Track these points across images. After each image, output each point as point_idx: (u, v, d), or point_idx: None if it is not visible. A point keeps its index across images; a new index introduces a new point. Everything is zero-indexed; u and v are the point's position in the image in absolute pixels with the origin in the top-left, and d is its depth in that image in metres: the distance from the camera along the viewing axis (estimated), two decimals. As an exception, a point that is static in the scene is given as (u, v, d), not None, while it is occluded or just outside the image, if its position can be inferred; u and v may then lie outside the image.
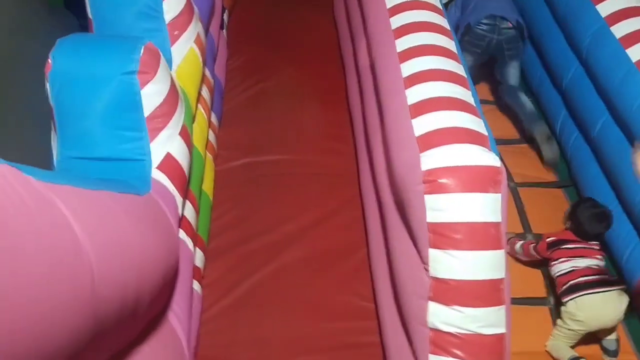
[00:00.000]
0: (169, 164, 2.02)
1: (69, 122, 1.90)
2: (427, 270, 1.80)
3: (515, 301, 1.95)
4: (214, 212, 2.77)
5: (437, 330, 1.79)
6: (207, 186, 2.73)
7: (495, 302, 1.77)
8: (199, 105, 2.67)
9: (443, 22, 2.26)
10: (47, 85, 1.88)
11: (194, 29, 2.51)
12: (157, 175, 1.97)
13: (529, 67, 3.31)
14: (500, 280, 1.78)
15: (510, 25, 2.99)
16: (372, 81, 2.46)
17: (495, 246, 1.76)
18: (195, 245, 2.30)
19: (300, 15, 3.94)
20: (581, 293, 2.24)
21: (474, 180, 1.72)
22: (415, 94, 1.96)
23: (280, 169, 2.99)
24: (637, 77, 2.30)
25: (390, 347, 2.14)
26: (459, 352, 1.76)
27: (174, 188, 2.02)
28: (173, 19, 2.35)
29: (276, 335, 2.34)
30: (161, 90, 1.97)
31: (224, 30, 3.58)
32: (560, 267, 2.34)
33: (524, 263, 2.56)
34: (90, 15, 2.34)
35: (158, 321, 1.71)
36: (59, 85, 1.87)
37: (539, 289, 2.52)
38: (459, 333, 1.77)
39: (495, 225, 1.76)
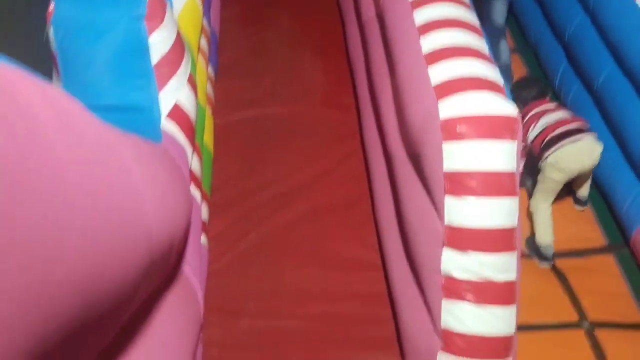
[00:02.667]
0: (178, 114, 1.97)
1: (74, 69, 1.83)
2: (441, 218, 1.82)
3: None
4: (215, 165, 2.74)
5: (450, 277, 1.82)
6: (208, 139, 2.69)
7: (508, 248, 1.81)
8: (199, 56, 2.60)
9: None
10: (50, 31, 1.80)
11: (194, -25, 2.42)
12: (167, 124, 1.93)
13: (528, 18, 3.29)
14: (512, 228, 1.81)
15: None
16: (380, 32, 2.42)
17: (510, 194, 1.78)
18: (201, 198, 2.28)
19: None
20: (561, 143, 2.40)
21: (492, 128, 1.72)
22: (430, 42, 1.93)
23: (281, 122, 2.95)
24: None
25: (399, 297, 2.18)
26: (472, 298, 1.80)
27: (184, 138, 1.98)
28: (173, -36, 2.26)
29: (284, 285, 2.36)
30: (168, 38, 1.91)
31: (218, -21, 3.46)
32: (534, 132, 2.52)
33: None
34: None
35: (176, 272, 1.71)
36: (63, 31, 1.79)
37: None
38: (471, 279, 1.80)
39: (510, 173, 1.77)
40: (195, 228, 2.02)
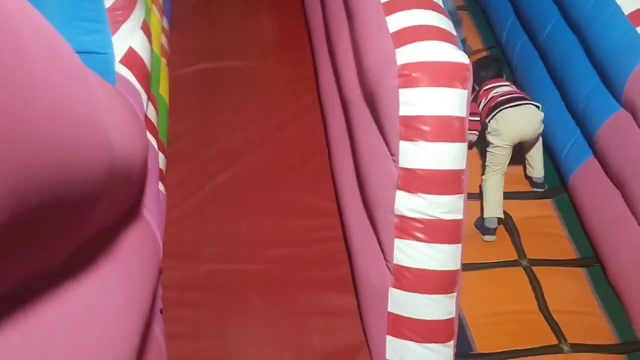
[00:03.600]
0: (132, 59, 1.95)
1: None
2: (395, 161, 1.90)
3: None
4: (171, 117, 2.73)
5: (402, 217, 1.92)
6: (163, 90, 2.66)
7: (456, 190, 1.91)
8: (153, 6, 2.55)
9: None
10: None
11: None
12: (121, 69, 1.91)
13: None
14: (461, 171, 1.91)
15: None
16: (337, -19, 2.44)
17: (459, 139, 1.87)
18: (158, 147, 2.28)
19: None
20: (499, 109, 2.53)
21: (445, 75, 1.80)
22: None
23: (236, 76, 2.95)
24: None
25: (353, 239, 2.27)
26: (421, 236, 1.91)
27: (137, 83, 1.97)
28: None
29: (241, 232, 2.41)
30: (122, -20, 1.88)
31: None
32: (484, 102, 2.63)
33: None
34: None
35: (136, 212, 1.72)
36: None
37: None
38: (422, 218, 1.90)
39: (460, 119, 1.86)
40: (152, 174, 2.03)
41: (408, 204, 1.90)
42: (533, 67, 2.85)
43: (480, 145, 2.75)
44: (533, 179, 2.71)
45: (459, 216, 1.94)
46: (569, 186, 2.63)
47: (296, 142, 2.73)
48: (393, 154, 1.90)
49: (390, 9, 1.94)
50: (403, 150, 1.86)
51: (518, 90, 2.69)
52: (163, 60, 2.73)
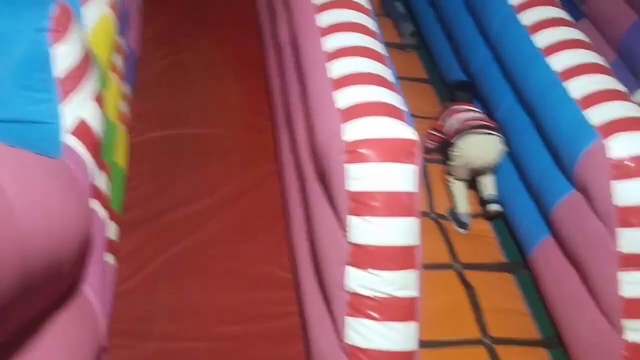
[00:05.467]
0: (82, 130, 1.93)
1: (-30, 80, 1.76)
2: (346, 236, 1.87)
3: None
4: (129, 183, 2.69)
5: (354, 294, 1.87)
6: (120, 157, 2.63)
7: (409, 266, 1.88)
8: (112, 73, 2.56)
9: (365, 2, 2.33)
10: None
11: (108, -9, 2.40)
12: (70, 140, 1.88)
13: (439, 51, 3.49)
14: (414, 246, 1.89)
15: None
16: (293, 55, 2.48)
17: (410, 214, 1.86)
18: (108, 216, 2.22)
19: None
20: (467, 133, 2.74)
21: (391, 151, 1.81)
22: (338, 68, 2.01)
23: (197, 142, 2.94)
24: (541, 62, 2.48)
25: (309, 315, 2.20)
26: (374, 314, 1.86)
27: (87, 154, 1.94)
28: (85, -21, 2.23)
29: (194, 306, 2.32)
30: (73, 52, 1.87)
31: (138, -2, 3.44)
32: (450, 123, 2.85)
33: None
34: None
35: (72, 291, 1.65)
36: (-41, 40, 1.72)
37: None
38: (375, 296, 1.86)
39: (410, 194, 1.86)
40: (97, 245, 1.96)
41: (359, 280, 1.86)
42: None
43: (443, 158, 2.96)
44: (487, 198, 2.82)
45: (414, 293, 1.90)
46: (529, 262, 2.62)
47: (254, 210, 2.69)
48: (343, 228, 1.88)
49: (339, 85, 1.97)
50: (353, 225, 1.84)
51: (487, 118, 2.86)
52: (121, 127, 2.71)
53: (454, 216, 2.81)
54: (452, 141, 2.80)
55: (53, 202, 1.25)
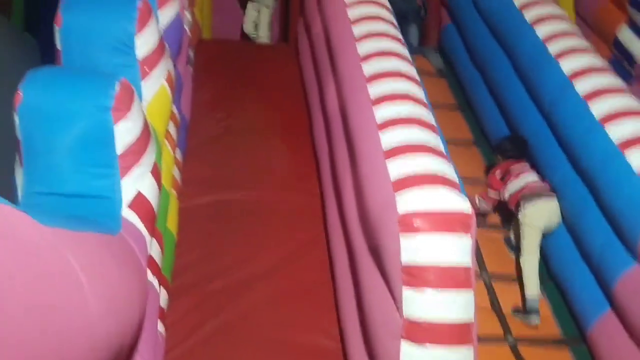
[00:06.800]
0: (139, 203, 1.98)
1: (37, 156, 1.84)
2: (399, 310, 1.83)
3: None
4: (177, 249, 2.72)
5: (409, 370, 1.81)
6: (172, 223, 2.68)
7: (465, 341, 1.82)
8: (166, 142, 2.65)
9: (412, 70, 2.36)
10: (16, 118, 1.83)
11: (165, 66, 2.51)
12: (128, 214, 1.93)
13: (488, 118, 3.48)
14: (469, 322, 1.83)
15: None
16: (342, 124, 2.52)
17: (465, 286, 1.82)
18: (160, 284, 2.24)
19: (265, 54, 4.00)
20: (539, 199, 2.72)
21: (447, 223, 1.78)
22: (389, 138, 2.02)
23: (245, 207, 2.97)
24: (600, 132, 2.45)
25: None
26: (430, 392, 1.78)
27: (143, 227, 1.98)
28: (145, 55, 2.34)
29: (242, 376, 2.29)
30: (134, 128, 1.95)
31: (190, 66, 3.58)
32: (514, 185, 2.82)
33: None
34: (58, 46, 2.29)
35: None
36: (28, 119, 1.82)
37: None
38: (430, 373, 1.79)
39: (466, 268, 1.82)
40: (151, 317, 1.98)
41: (414, 356, 1.80)
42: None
43: (508, 226, 2.92)
44: (528, 304, 2.66)
45: (470, 370, 1.82)
46: (588, 338, 2.49)
47: (301, 276, 2.67)
48: (397, 302, 1.84)
49: (391, 155, 1.97)
50: (406, 298, 1.81)
51: (541, 179, 2.86)
52: (173, 193, 2.78)
53: (521, 310, 2.63)
54: (519, 210, 2.75)
55: (120, 288, 1.27)
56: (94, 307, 0.95)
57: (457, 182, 1.92)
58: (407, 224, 1.79)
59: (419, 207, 1.80)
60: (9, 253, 0.70)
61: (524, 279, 2.68)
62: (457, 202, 1.81)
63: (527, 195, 2.74)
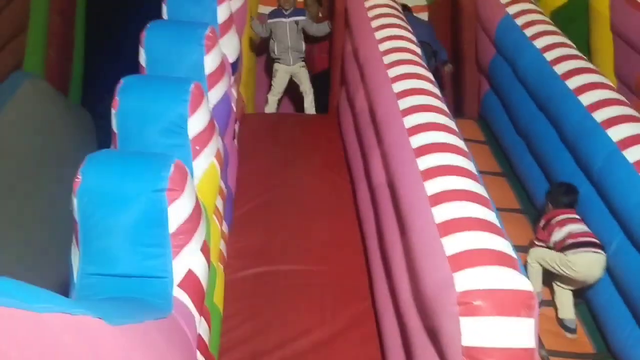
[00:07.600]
0: (190, 281, 1.98)
1: (93, 237, 1.87)
2: (461, 397, 1.73)
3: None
4: (224, 324, 2.68)
5: None
6: (218, 298, 2.66)
7: None
8: (214, 217, 2.67)
9: (460, 142, 2.35)
10: (74, 200, 1.88)
11: (215, 144, 2.58)
12: (178, 293, 1.92)
13: (534, 185, 3.42)
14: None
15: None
16: (391, 198, 2.50)
17: (530, 373, 1.71)
18: (208, 364, 2.20)
19: (307, 127, 4.08)
20: (584, 249, 2.74)
21: (509, 304, 1.71)
22: (442, 213, 1.99)
23: (290, 280, 2.94)
24: None
25: None
26: None
27: (193, 306, 1.97)
28: (196, 135, 2.41)
29: None
30: (187, 207, 1.97)
31: (235, 140, 3.67)
32: (557, 235, 2.85)
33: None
34: (115, 129, 2.39)
35: None
36: (86, 201, 1.87)
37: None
38: None
39: (530, 351, 1.72)
40: (200, 400, 1.93)
41: None
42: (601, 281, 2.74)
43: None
44: (565, 322, 2.83)
45: None
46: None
47: (349, 355, 2.59)
48: (458, 388, 1.74)
49: (446, 230, 1.93)
50: (469, 385, 1.71)
51: (592, 233, 2.84)
52: (220, 267, 2.77)
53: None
54: (567, 251, 2.80)
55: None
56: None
57: (516, 258, 1.86)
58: (467, 304, 1.72)
59: (479, 286, 1.73)
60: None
61: (557, 306, 2.88)
62: (519, 282, 1.74)
63: (576, 243, 2.80)
